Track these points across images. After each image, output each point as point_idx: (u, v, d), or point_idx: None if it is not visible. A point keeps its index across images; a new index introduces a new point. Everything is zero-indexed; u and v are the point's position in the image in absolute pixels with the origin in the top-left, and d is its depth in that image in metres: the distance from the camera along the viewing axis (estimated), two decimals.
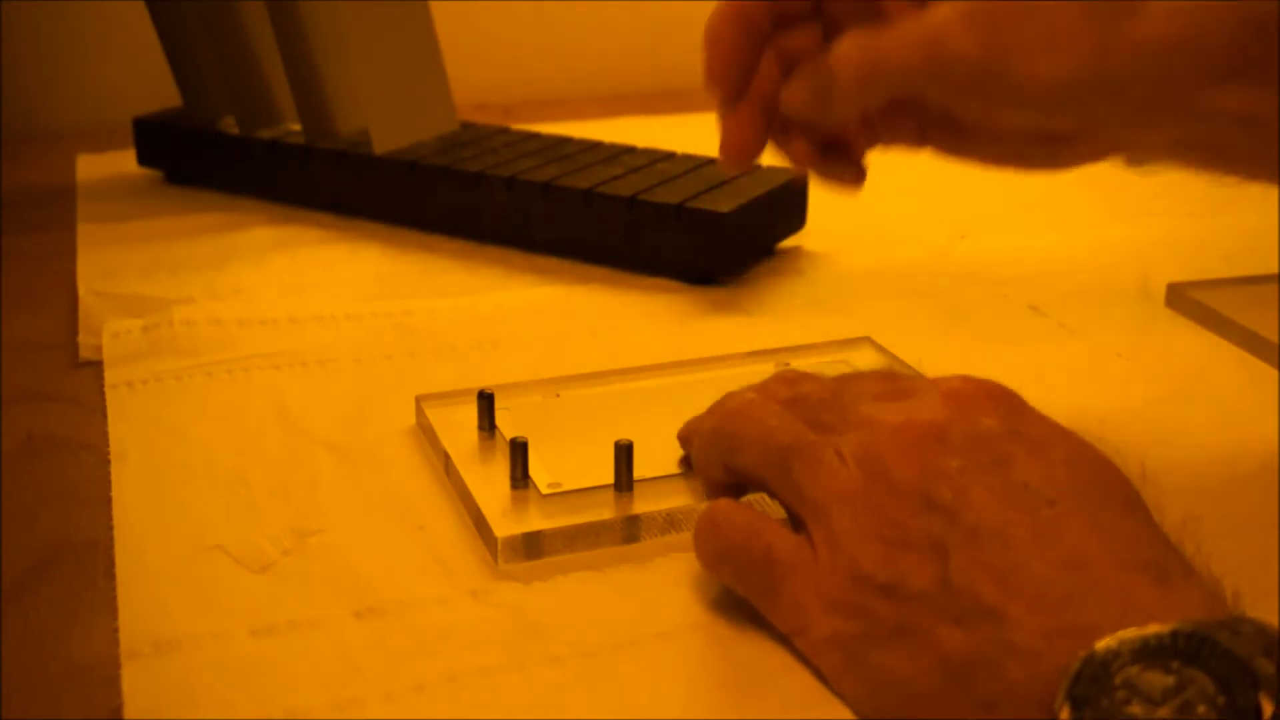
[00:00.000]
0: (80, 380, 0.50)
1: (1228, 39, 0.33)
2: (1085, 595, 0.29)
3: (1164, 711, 0.26)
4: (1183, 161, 0.39)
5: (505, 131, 0.71)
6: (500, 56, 0.99)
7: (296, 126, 0.69)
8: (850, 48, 0.40)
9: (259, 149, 0.69)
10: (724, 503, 0.36)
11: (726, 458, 0.37)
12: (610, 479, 0.40)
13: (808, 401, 0.37)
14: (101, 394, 0.48)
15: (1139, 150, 0.42)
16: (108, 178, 0.75)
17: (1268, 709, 0.26)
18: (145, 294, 0.57)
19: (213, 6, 0.67)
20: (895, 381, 0.37)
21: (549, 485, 0.40)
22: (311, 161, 0.68)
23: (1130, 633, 0.27)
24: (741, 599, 0.35)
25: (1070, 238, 0.66)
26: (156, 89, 0.75)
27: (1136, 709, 0.26)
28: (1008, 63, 0.36)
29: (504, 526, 0.38)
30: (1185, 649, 0.27)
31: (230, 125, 0.71)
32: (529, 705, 0.32)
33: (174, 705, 0.32)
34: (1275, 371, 0.50)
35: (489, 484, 0.40)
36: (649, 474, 0.40)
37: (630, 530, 0.39)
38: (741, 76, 0.44)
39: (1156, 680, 0.26)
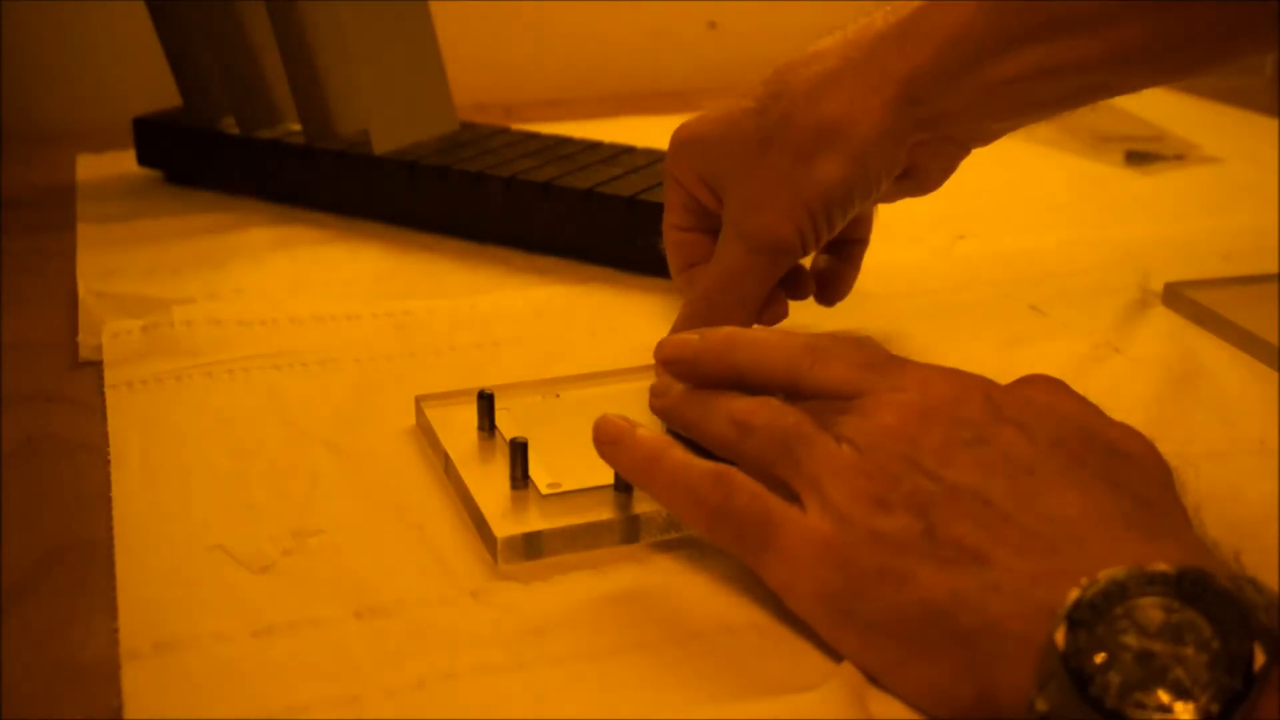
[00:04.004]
0: (80, 380, 0.50)
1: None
2: (1072, 545, 0.30)
3: (1157, 645, 0.27)
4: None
5: (505, 131, 0.71)
6: (500, 56, 0.99)
7: (296, 126, 0.69)
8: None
9: (259, 149, 0.69)
10: (733, 468, 0.36)
11: (738, 441, 0.38)
12: (610, 479, 0.40)
13: (814, 406, 0.38)
14: (101, 394, 0.48)
15: (970, 142, 0.49)
16: (108, 178, 0.75)
17: (1260, 659, 0.26)
18: (145, 294, 0.57)
19: (213, 6, 0.67)
20: (881, 384, 0.37)
21: (549, 485, 0.40)
22: (311, 161, 0.68)
23: (1134, 567, 0.28)
24: (740, 599, 0.35)
25: (1070, 238, 0.66)
26: (156, 89, 0.75)
27: (1131, 638, 0.27)
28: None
29: (504, 526, 0.38)
30: (1187, 590, 0.27)
31: (230, 125, 0.71)
32: (529, 705, 0.32)
33: (174, 705, 0.32)
34: (1271, 370, 0.50)
35: (489, 484, 0.40)
36: None
37: (630, 530, 0.39)
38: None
39: (1154, 615, 0.27)
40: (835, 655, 0.33)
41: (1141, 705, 0.26)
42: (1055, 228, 0.68)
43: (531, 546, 0.38)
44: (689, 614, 0.35)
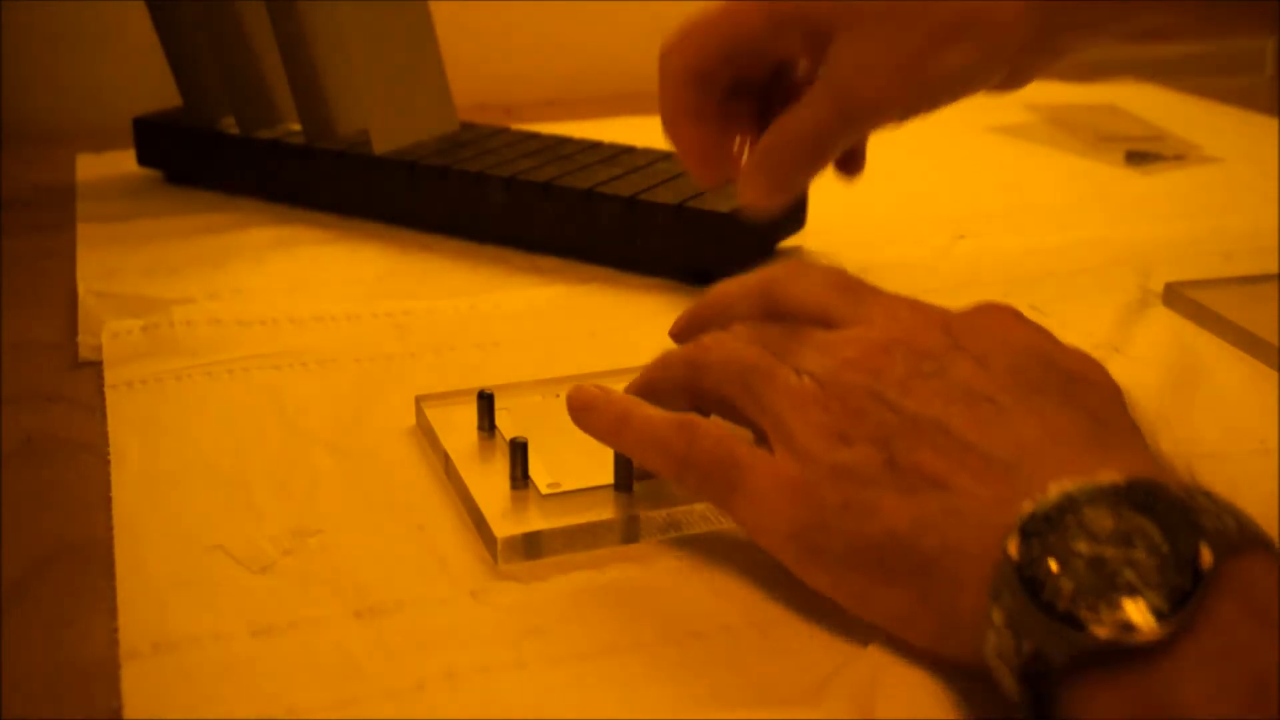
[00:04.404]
0: (80, 380, 0.50)
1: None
2: (1029, 467, 0.31)
3: (1108, 550, 0.27)
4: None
5: (505, 131, 0.71)
6: (500, 56, 0.99)
7: (296, 126, 0.69)
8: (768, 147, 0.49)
9: (259, 149, 0.69)
10: (696, 415, 0.37)
11: (695, 380, 0.39)
12: (610, 479, 0.40)
13: (769, 334, 0.39)
14: (101, 394, 0.48)
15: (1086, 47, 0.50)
16: (108, 178, 0.75)
17: (1207, 558, 0.27)
18: (145, 294, 0.57)
19: (213, 6, 0.67)
20: (848, 309, 0.38)
21: (549, 485, 0.40)
22: (311, 161, 0.68)
23: (1085, 479, 0.29)
24: (740, 599, 0.35)
25: (1070, 238, 0.66)
26: (156, 89, 0.75)
27: (1082, 545, 0.27)
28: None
29: (504, 526, 0.38)
30: (1137, 498, 0.28)
31: (230, 125, 0.71)
32: (529, 705, 0.32)
33: (174, 705, 0.32)
34: (1271, 370, 0.50)
35: (489, 484, 0.40)
36: (649, 474, 0.40)
37: (630, 530, 0.39)
38: (715, 151, 0.51)
39: (1105, 522, 0.28)
40: (837, 655, 0.33)
41: (1093, 608, 0.26)
42: (1055, 228, 0.68)
43: (531, 546, 0.38)
44: (689, 614, 0.35)
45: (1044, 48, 0.48)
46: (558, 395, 0.46)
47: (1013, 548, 0.28)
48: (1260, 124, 0.91)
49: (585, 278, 0.60)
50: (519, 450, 0.40)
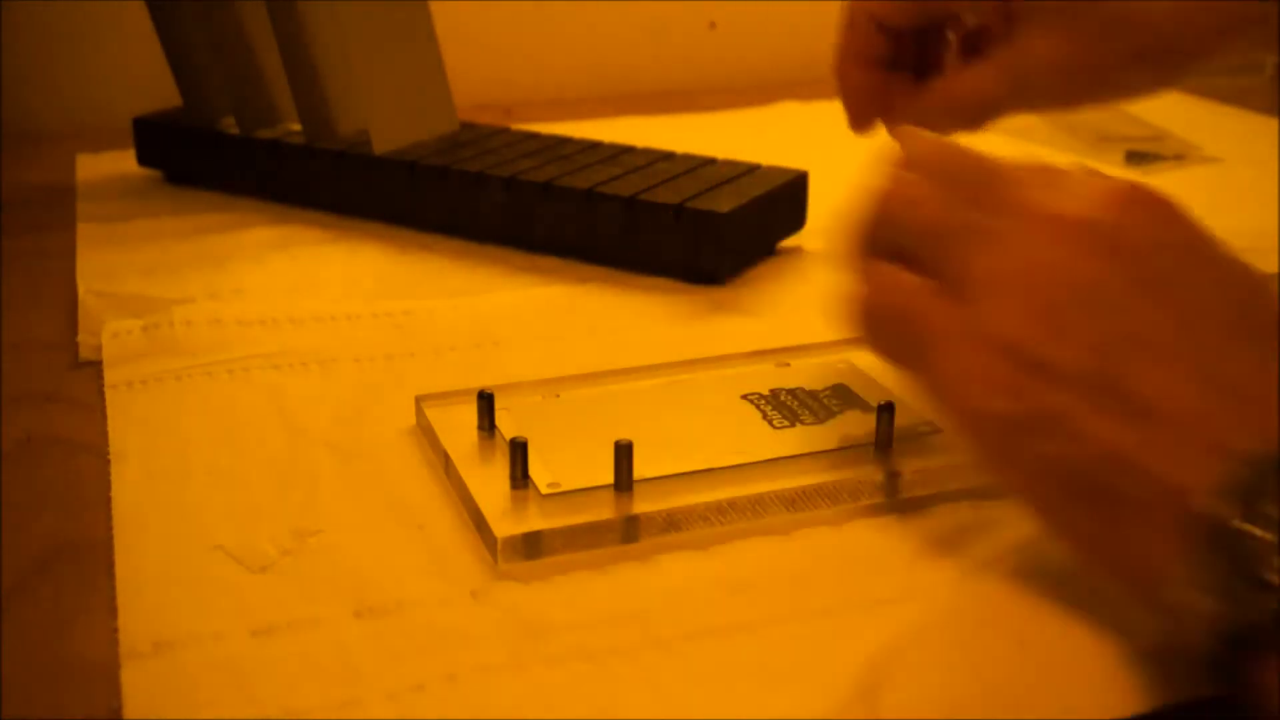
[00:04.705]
0: (80, 380, 0.50)
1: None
2: (1246, 415, 0.29)
3: None
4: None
5: (505, 131, 0.71)
6: (500, 56, 0.99)
7: (296, 126, 0.69)
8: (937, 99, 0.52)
9: (259, 149, 0.69)
10: (885, 266, 0.35)
11: (886, 234, 0.37)
12: (610, 479, 0.40)
13: (963, 180, 0.36)
14: (101, 394, 0.48)
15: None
16: (108, 178, 0.75)
17: None
18: (145, 294, 0.57)
19: (213, 6, 0.67)
20: (1049, 169, 0.36)
21: (549, 485, 0.40)
22: (311, 161, 0.68)
23: None
24: (741, 600, 0.35)
25: None
26: (156, 89, 0.75)
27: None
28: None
29: (504, 526, 0.38)
30: None
31: (230, 125, 0.71)
32: (529, 705, 0.32)
33: (174, 705, 0.32)
34: None
35: (489, 484, 0.40)
36: (649, 474, 0.40)
37: (630, 530, 0.39)
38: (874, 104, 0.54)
39: None
40: (839, 656, 0.33)
41: None
42: None
43: (531, 546, 0.38)
44: (689, 614, 0.35)
45: (1208, 65, 0.50)
46: (558, 395, 0.46)
47: (1213, 506, 0.27)
48: (1260, 124, 0.91)
49: (585, 278, 0.60)
50: (519, 450, 0.40)
